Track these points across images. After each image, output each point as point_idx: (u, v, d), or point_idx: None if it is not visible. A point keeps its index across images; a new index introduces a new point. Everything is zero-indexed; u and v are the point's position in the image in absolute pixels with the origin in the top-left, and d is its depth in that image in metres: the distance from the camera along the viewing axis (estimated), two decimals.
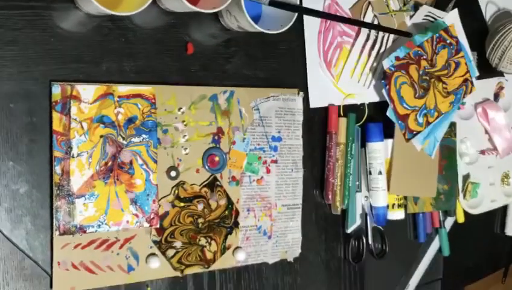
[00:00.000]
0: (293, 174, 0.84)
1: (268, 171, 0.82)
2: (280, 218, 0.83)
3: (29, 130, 0.66)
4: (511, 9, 1.13)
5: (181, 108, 0.74)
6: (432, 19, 0.95)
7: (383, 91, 0.88)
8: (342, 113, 0.89)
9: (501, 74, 1.11)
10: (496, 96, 1.11)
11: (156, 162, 0.72)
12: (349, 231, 0.90)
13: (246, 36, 0.80)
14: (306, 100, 0.86)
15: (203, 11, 0.67)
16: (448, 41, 0.94)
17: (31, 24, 0.66)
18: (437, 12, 0.96)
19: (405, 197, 0.96)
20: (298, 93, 0.84)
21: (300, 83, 0.85)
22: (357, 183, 0.90)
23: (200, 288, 0.77)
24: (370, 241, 0.92)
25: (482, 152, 1.08)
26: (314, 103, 0.86)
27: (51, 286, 0.67)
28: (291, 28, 0.75)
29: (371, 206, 0.92)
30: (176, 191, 0.74)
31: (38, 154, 0.66)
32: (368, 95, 0.92)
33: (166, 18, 0.74)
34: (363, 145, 0.91)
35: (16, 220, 0.65)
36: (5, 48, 0.64)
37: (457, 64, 0.95)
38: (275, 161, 0.82)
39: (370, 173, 0.90)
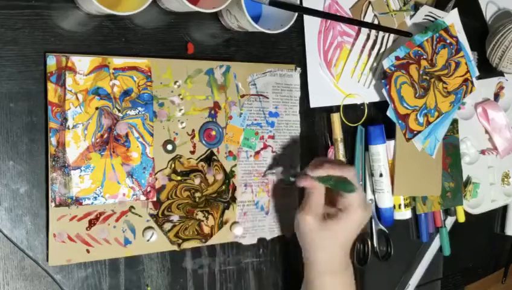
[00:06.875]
0: (290, 150, 0.84)
1: (265, 146, 0.82)
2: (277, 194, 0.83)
3: (29, 130, 0.66)
4: (511, 9, 1.13)
5: (177, 81, 0.74)
6: (432, 19, 0.95)
7: (383, 91, 0.88)
8: (341, 113, 0.89)
9: (501, 73, 1.11)
10: (496, 96, 1.11)
11: (152, 135, 0.72)
12: None
13: (246, 36, 0.80)
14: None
15: (203, 10, 0.67)
16: (448, 41, 0.94)
17: (31, 24, 0.66)
18: (437, 12, 0.96)
19: (414, 198, 0.96)
20: (295, 69, 0.84)
21: (301, 82, 0.85)
22: (361, 183, 0.90)
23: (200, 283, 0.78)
24: (375, 244, 0.92)
25: (482, 152, 1.08)
26: (314, 103, 0.86)
27: (47, 259, 0.67)
28: (291, 28, 0.75)
29: (376, 208, 0.92)
30: (173, 165, 0.74)
31: (38, 154, 0.66)
32: (368, 95, 0.92)
33: (166, 18, 0.74)
34: (367, 147, 0.91)
35: (16, 220, 0.66)
36: (5, 47, 0.64)
37: (458, 64, 0.95)
38: (272, 137, 0.82)
39: (373, 175, 0.91)
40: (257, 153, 0.81)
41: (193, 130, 0.76)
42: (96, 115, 0.69)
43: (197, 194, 0.76)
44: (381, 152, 0.90)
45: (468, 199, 1.06)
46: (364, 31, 0.91)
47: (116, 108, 0.70)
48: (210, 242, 0.77)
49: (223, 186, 0.78)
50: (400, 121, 0.89)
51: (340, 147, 0.88)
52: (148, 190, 0.72)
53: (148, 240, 0.72)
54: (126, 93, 0.71)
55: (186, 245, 0.76)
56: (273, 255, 0.84)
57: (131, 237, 0.72)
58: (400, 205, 0.93)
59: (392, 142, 0.91)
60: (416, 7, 0.95)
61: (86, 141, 0.68)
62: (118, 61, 0.70)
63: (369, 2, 0.90)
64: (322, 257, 0.74)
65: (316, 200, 0.74)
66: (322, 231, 0.73)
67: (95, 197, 0.69)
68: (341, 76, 0.89)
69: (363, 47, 0.91)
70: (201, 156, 0.76)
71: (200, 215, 0.76)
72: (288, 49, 0.85)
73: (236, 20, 0.74)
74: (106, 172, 0.69)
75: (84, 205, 0.68)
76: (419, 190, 0.95)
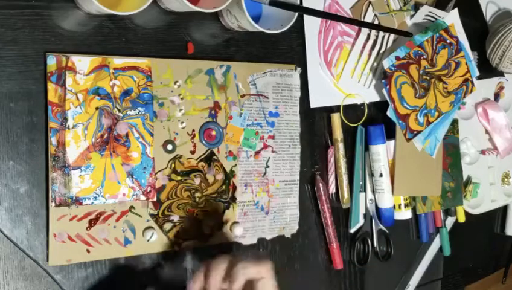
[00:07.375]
0: (290, 150, 0.84)
1: (265, 146, 0.82)
2: (277, 194, 0.83)
3: (30, 130, 0.66)
4: (511, 9, 1.13)
5: (177, 81, 0.74)
6: (433, 19, 0.95)
7: (384, 91, 0.88)
8: (342, 113, 0.89)
9: (501, 73, 1.11)
10: (496, 96, 1.11)
11: (152, 135, 0.72)
12: (352, 230, 0.90)
13: (246, 36, 0.80)
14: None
15: (203, 10, 0.67)
16: (448, 41, 0.94)
17: (31, 24, 0.66)
18: (437, 12, 0.96)
19: (414, 198, 0.96)
20: (295, 69, 0.84)
21: (301, 82, 0.85)
22: (361, 183, 0.90)
23: None
24: (375, 244, 0.92)
25: (483, 152, 1.08)
26: (314, 103, 0.86)
27: (47, 259, 0.67)
28: (291, 28, 0.75)
29: (376, 208, 0.92)
30: (173, 165, 0.74)
31: (39, 154, 0.66)
32: (368, 95, 0.92)
33: (166, 18, 0.74)
34: (367, 147, 0.91)
35: (16, 220, 0.66)
36: (5, 47, 0.64)
37: (458, 64, 0.95)
38: (272, 137, 0.82)
39: (373, 175, 0.91)
40: (257, 153, 0.81)
41: (193, 130, 0.76)
42: (96, 114, 0.69)
43: (197, 194, 0.76)
44: (381, 152, 0.90)
45: (468, 199, 1.06)
46: (365, 31, 0.91)
47: (116, 108, 0.70)
48: (210, 242, 0.77)
49: (223, 186, 0.78)
50: (400, 121, 0.89)
51: (340, 147, 0.88)
52: (148, 189, 0.72)
53: (148, 240, 0.72)
54: (126, 93, 0.71)
55: (186, 245, 0.76)
56: (273, 255, 0.84)
57: (131, 237, 0.72)
58: (400, 205, 0.93)
59: (392, 142, 0.91)
60: (417, 7, 0.95)
61: (86, 141, 0.68)
62: (118, 61, 0.70)
63: (369, 2, 0.90)
64: None
65: None
66: None
67: (95, 197, 0.69)
68: (341, 76, 0.89)
69: (363, 47, 0.91)
70: (201, 156, 0.76)
71: (200, 215, 0.76)
72: (288, 49, 0.85)
73: (236, 20, 0.74)
74: (106, 172, 0.69)
75: (84, 205, 0.68)
76: (419, 190, 0.95)
